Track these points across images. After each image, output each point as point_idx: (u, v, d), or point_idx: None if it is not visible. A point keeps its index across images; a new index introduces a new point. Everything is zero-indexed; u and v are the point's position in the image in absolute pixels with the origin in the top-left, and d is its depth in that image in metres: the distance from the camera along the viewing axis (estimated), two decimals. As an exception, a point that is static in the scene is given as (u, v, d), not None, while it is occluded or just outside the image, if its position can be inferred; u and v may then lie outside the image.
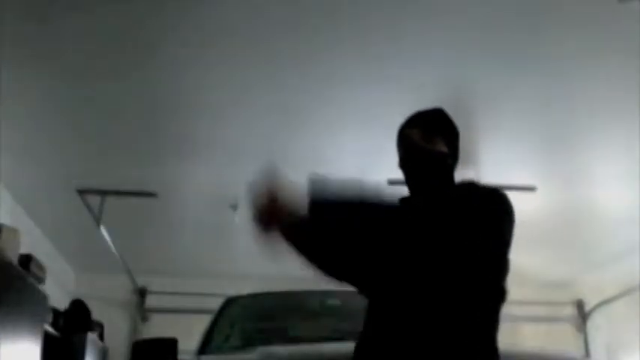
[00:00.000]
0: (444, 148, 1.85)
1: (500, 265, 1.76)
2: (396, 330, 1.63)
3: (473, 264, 1.68)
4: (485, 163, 4.25)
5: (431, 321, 1.62)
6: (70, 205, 4.68)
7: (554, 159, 4.29)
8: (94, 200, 4.62)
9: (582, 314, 6.69)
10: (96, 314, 5.18)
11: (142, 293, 6.38)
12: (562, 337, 6.30)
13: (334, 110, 3.69)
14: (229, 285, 4.44)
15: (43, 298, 3.82)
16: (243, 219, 4.81)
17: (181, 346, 2.49)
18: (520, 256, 6.10)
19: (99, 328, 5.43)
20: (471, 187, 1.87)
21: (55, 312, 4.38)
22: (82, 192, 4.56)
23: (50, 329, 4.15)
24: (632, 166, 4.21)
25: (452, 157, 1.88)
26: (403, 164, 1.86)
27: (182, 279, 6.15)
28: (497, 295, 1.74)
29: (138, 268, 5.91)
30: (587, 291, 6.54)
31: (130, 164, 4.30)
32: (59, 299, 4.75)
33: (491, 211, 1.75)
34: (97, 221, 4.76)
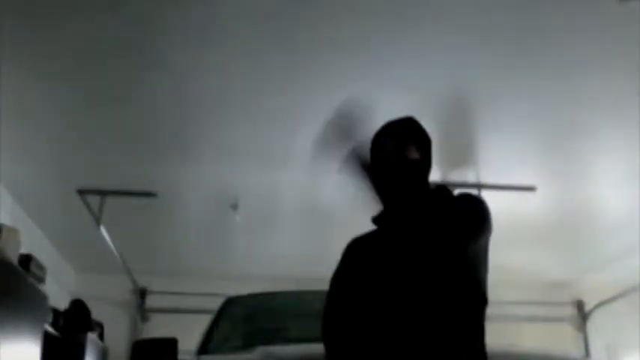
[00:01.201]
0: (416, 156, 1.87)
1: (477, 270, 1.79)
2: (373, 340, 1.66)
3: (449, 272, 1.71)
4: (485, 163, 4.25)
5: (409, 330, 1.64)
6: (70, 205, 4.68)
7: (554, 159, 4.29)
8: (94, 200, 4.62)
9: (582, 314, 6.69)
10: (96, 314, 5.17)
11: (142, 293, 6.38)
12: (562, 337, 6.30)
13: (334, 110, 3.69)
14: (229, 285, 4.45)
15: (43, 298, 3.82)
16: (243, 219, 4.84)
17: (181, 346, 2.49)
18: (520, 256, 6.13)
19: (99, 328, 5.43)
20: (444, 193, 1.90)
21: (55, 312, 4.38)
22: (82, 192, 4.56)
23: (50, 329, 4.15)
24: (632, 167, 4.21)
25: (424, 163, 1.90)
26: (376, 172, 1.89)
27: (182, 279, 6.16)
28: (477, 301, 1.76)
29: (138, 268, 5.91)
30: (587, 291, 6.54)
31: (130, 164, 4.30)
32: (59, 299, 4.75)
33: (466, 217, 1.78)
34: (97, 221, 4.76)
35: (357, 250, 1.93)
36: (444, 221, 1.75)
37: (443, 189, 1.92)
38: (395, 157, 1.85)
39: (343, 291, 1.84)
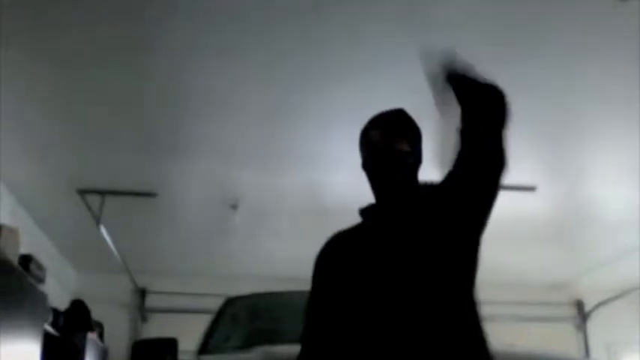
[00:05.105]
0: (406, 147, 1.83)
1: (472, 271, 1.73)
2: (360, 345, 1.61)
3: (447, 272, 1.67)
4: (485, 162, 4.24)
5: (400, 338, 1.58)
6: (70, 205, 4.68)
7: (554, 159, 4.29)
8: (94, 200, 4.62)
9: (582, 314, 6.70)
10: (96, 314, 5.18)
11: (142, 293, 6.38)
12: (562, 337, 6.31)
13: (334, 110, 3.69)
14: (229, 285, 4.45)
15: (43, 298, 3.83)
16: (242, 219, 4.84)
17: (181, 346, 2.49)
18: (520, 256, 6.08)
19: (99, 328, 5.44)
20: (435, 190, 1.85)
21: (55, 312, 4.39)
22: (82, 192, 4.56)
23: (50, 329, 4.16)
24: (632, 167, 4.20)
25: (414, 156, 1.86)
26: (366, 164, 1.87)
27: (182, 279, 6.16)
28: (469, 304, 1.70)
29: (138, 268, 5.91)
30: (586, 291, 6.54)
31: (130, 164, 4.30)
32: (59, 299, 4.76)
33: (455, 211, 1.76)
34: (97, 221, 4.76)
35: (339, 246, 1.86)
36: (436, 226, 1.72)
37: (433, 188, 1.86)
38: (384, 147, 1.82)
39: (327, 293, 1.79)
